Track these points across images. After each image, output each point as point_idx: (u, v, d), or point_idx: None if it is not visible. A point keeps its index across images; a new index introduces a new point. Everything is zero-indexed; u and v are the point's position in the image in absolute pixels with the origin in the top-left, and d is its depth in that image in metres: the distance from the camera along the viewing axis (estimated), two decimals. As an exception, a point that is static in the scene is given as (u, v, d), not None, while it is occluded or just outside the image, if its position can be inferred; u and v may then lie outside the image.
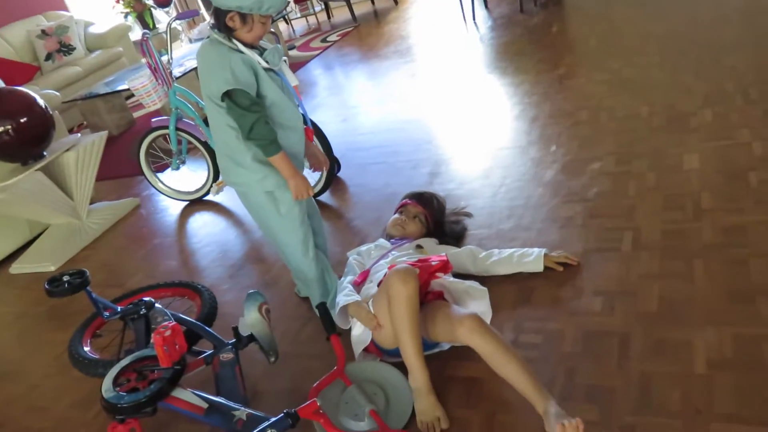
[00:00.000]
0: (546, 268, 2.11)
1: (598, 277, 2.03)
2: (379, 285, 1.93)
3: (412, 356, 1.73)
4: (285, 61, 2.99)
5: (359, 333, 1.96)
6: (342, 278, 2.15)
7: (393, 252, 2.16)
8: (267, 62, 1.91)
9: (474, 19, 5.64)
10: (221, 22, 1.86)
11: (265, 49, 1.97)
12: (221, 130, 1.96)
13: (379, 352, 1.95)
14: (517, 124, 3.33)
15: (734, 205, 2.15)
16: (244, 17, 1.83)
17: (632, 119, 2.98)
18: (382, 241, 2.29)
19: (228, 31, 1.88)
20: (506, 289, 2.11)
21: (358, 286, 2.08)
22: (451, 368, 1.86)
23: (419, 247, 2.20)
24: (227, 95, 1.86)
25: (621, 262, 2.06)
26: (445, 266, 1.89)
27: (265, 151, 1.92)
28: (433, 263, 1.88)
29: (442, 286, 1.95)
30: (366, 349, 1.97)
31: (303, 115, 2.11)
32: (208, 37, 1.94)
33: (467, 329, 1.67)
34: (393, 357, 1.92)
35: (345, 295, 1.97)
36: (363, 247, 2.28)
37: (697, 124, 2.73)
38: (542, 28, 4.82)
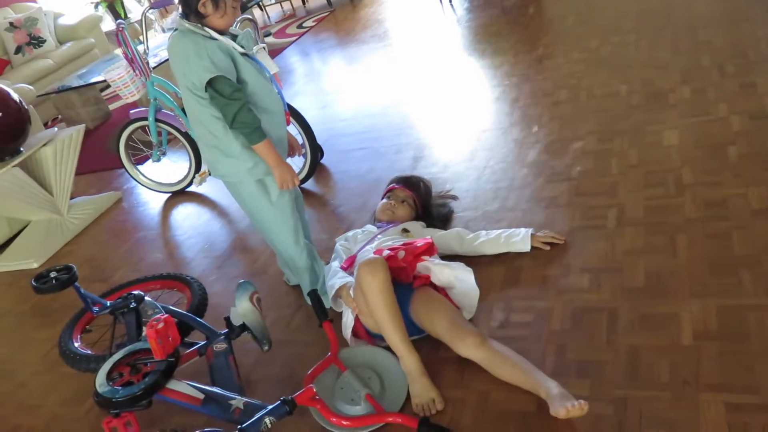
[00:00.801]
0: (533, 248, 2.14)
1: (584, 254, 2.06)
2: None
3: (398, 343, 1.75)
4: (264, 48, 2.97)
5: (346, 318, 1.98)
6: (329, 264, 2.16)
7: (379, 236, 2.17)
8: (242, 47, 1.90)
9: (450, 1, 5.62)
10: (192, 8, 1.84)
11: (236, 35, 1.95)
12: (206, 121, 1.94)
13: (369, 337, 1.97)
14: (499, 106, 3.34)
15: (714, 179, 2.19)
16: (216, 3, 1.82)
17: (612, 97, 3.01)
18: (368, 226, 2.30)
19: (199, 19, 1.85)
20: (495, 269, 2.13)
21: (345, 271, 2.09)
22: (444, 350, 1.87)
23: (405, 230, 2.21)
24: (209, 84, 1.84)
25: (606, 239, 2.09)
26: (430, 248, 1.91)
27: (249, 139, 1.91)
28: (418, 245, 1.90)
29: (428, 269, 1.97)
30: (356, 335, 1.98)
31: (281, 99, 2.10)
32: (177, 28, 1.90)
33: (468, 346, 1.69)
34: (383, 341, 1.94)
35: (338, 279, 1.98)
36: (350, 233, 2.29)
37: (675, 101, 2.77)
38: (519, 9, 4.82)
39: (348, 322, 1.97)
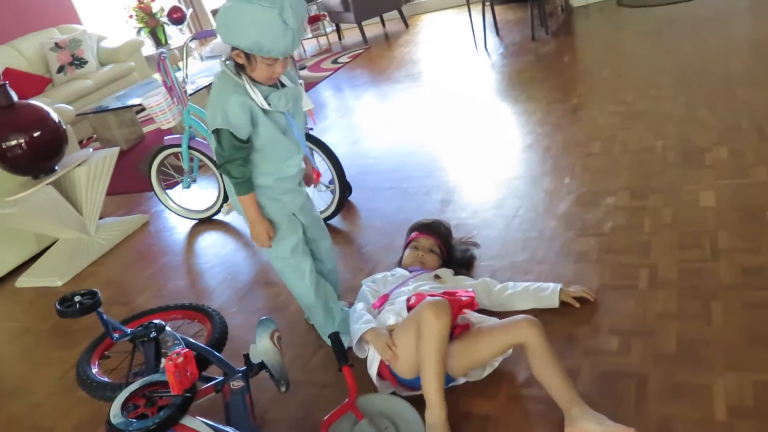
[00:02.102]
0: (562, 303, 2.09)
1: (614, 314, 2.01)
2: (406, 310, 1.90)
3: (433, 392, 1.71)
4: (301, 83, 3.00)
5: (372, 356, 1.93)
6: (353, 305, 2.12)
7: (411, 280, 2.14)
8: (269, 105, 1.86)
9: (485, 45, 5.67)
10: (231, 56, 1.85)
11: (283, 85, 1.94)
12: None
13: (394, 379, 1.92)
14: (530, 154, 3.33)
15: (752, 245, 2.13)
16: (247, 56, 1.80)
17: (646, 153, 2.97)
18: (398, 269, 2.27)
19: (239, 66, 1.86)
20: (520, 323, 2.08)
21: (375, 309, 2.06)
22: (466, 404, 1.83)
23: (437, 277, 2.18)
24: (214, 131, 1.86)
25: (638, 300, 2.04)
26: (472, 303, 1.90)
27: (235, 188, 1.94)
28: (463, 298, 1.88)
29: (466, 320, 1.93)
30: (380, 375, 1.94)
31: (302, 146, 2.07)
32: (225, 61, 1.90)
33: (527, 323, 1.74)
34: (407, 386, 1.90)
35: (363, 323, 1.94)
36: (378, 275, 2.26)
37: (712, 161, 2.73)
38: (554, 56, 4.84)
39: (374, 360, 1.91)
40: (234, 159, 1.86)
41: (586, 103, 3.78)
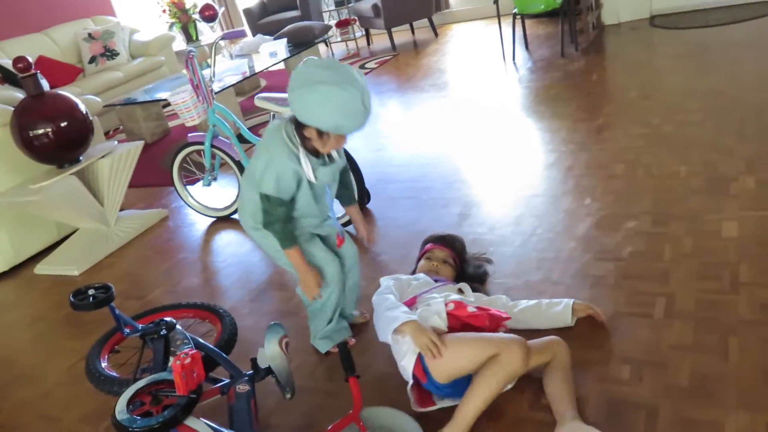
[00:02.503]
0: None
1: (627, 342, 1.98)
2: (445, 314, 1.91)
3: (472, 416, 1.74)
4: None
5: (408, 348, 1.86)
6: (381, 294, 2.05)
7: (438, 289, 2.13)
8: (315, 178, 1.94)
9: (513, 59, 5.64)
10: (299, 130, 1.89)
11: (330, 158, 2.00)
12: (254, 199, 2.02)
13: (424, 375, 1.86)
14: (552, 172, 3.29)
15: (774, 281, 2.09)
16: (320, 133, 1.85)
17: (670, 178, 2.93)
18: (422, 275, 2.24)
19: (300, 135, 1.90)
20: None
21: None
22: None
23: (460, 290, 2.17)
24: (264, 195, 1.93)
25: (652, 330, 2.00)
26: (504, 322, 1.98)
27: (280, 243, 2.00)
28: (502, 316, 1.97)
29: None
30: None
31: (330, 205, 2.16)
32: (283, 120, 1.94)
33: (557, 342, 1.89)
34: (438, 389, 1.88)
35: (403, 312, 1.90)
36: (402, 276, 2.20)
37: (738, 190, 2.68)
38: (582, 74, 4.80)
39: (409, 352, 1.86)
40: (279, 219, 1.95)
41: (612, 123, 3.73)
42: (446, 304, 1.93)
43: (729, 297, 2.06)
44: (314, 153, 1.94)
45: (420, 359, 1.84)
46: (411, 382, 1.89)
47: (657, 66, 4.64)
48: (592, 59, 5.13)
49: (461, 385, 1.82)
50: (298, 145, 1.89)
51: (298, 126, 1.88)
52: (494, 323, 1.93)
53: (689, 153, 3.12)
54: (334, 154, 2.02)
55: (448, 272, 2.31)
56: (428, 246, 2.42)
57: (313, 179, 1.92)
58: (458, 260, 2.38)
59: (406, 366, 1.88)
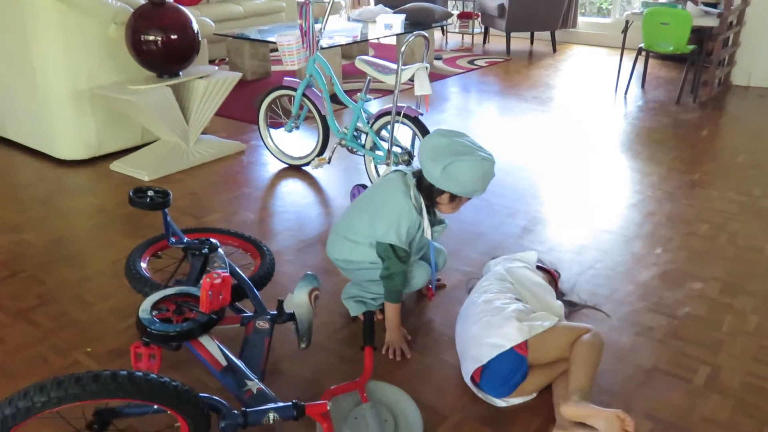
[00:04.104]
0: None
1: (657, 400, 1.87)
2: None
3: (591, 383, 1.76)
4: (427, 68, 2.97)
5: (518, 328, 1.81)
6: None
7: None
8: (431, 236, 2.13)
9: (626, 93, 5.43)
10: (430, 196, 2.05)
11: (442, 222, 2.25)
12: (362, 249, 2.16)
13: (526, 349, 1.80)
14: (631, 213, 3.15)
15: (834, 386, 1.92)
16: (453, 197, 2.04)
17: (754, 252, 2.74)
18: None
19: (428, 199, 2.07)
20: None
21: None
22: (470, 429, 1.76)
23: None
24: (390, 245, 2.04)
25: (687, 396, 1.88)
26: None
27: (387, 296, 2.09)
28: None
29: None
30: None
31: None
32: (405, 174, 2.13)
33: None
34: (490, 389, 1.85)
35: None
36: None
37: (823, 285, 2.48)
38: (693, 126, 4.56)
39: (507, 340, 1.80)
40: (401, 272, 2.06)
41: (708, 181, 3.53)
42: None
43: (780, 388, 1.92)
44: (428, 212, 2.11)
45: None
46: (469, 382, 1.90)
47: (775, 138, 4.35)
48: (707, 114, 4.87)
49: (503, 389, 1.83)
50: (422, 205, 2.07)
51: (427, 189, 2.05)
52: None
53: (782, 233, 2.91)
54: (440, 216, 2.23)
55: None
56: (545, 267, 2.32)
57: (428, 235, 2.11)
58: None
59: (508, 337, 1.79)
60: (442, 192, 2.03)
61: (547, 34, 7.28)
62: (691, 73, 5.26)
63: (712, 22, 4.99)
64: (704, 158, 3.92)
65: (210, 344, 1.76)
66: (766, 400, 1.87)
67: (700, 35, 5.14)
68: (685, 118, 4.77)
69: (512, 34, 7.14)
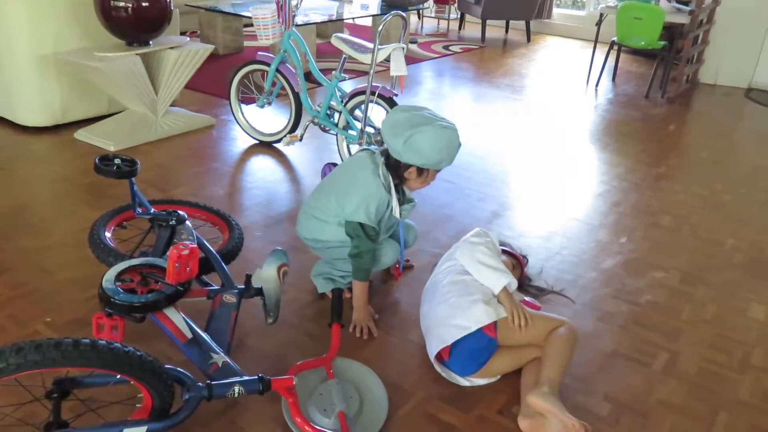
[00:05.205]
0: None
1: (616, 383, 1.91)
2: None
3: (562, 377, 1.76)
4: (403, 48, 2.96)
5: (491, 312, 1.81)
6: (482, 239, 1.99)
7: None
8: (400, 215, 2.12)
9: (597, 85, 5.49)
10: (399, 173, 2.05)
11: (411, 200, 2.21)
12: (331, 228, 2.13)
13: (494, 331, 1.81)
14: (597, 202, 3.20)
15: (784, 375, 1.99)
16: (421, 171, 2.04)
17: (714, 245, 2.82)
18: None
19: (396, 176, 2.06)
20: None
21: None
22: (436, 407, 1.78)
23: None
24: (358, 223, 2.03)
25: (646, 380, 1.93)
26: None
27: (355, 274, 2.07)
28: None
29: None
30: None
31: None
32: (373, 153, 2.12)
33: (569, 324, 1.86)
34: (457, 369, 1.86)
35: (505, 273, 1.89)
36: (496, 243, 2.05)
37: (778, 278, 2.57)
38: (660, 121, 4.64)
39: (475, 321, 1.79)
40: (370, 250, 2.05)
41: (672, 175, 3.61)
42: None
43: (733, 375, 1.98)
44: (397, 191, 2.10)
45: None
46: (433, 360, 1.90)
47: (738, 137, 4.46)
48: (675, 110, 4.96)
49: (470, 366, 1.84)
50: (390, 183, 2.06)
51: (394, 166, 2.05)
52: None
53: (741, 228, 3.00)
54: (409, 194, 2.21)
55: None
56: (509, 250, 2.27)
57: (397, 214, 2.11)
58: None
59: (475, 319, 1.79)
60: (409, 166, 2.02)
61: (522, 23, 7.31)
62: (661, 69, 5.35)
63: (683, 19, 5.08)
64: (670, 152, 4.00)
65: (175, 316, 1.74)
66: (719, 385, 1.93)
67: (671, 32, 5.23)
68: (654, 112, 4.85)
69: (488, 22, 7.15)
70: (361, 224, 2.04)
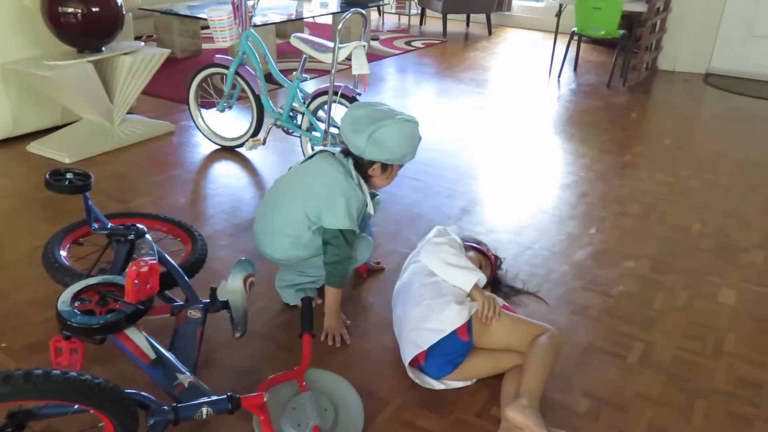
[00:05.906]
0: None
1: (593, 378, 1.90)
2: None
3: (542, 387, 1.69)
4: (364, 47, 2.91)
5: (462, 311, 1.76)
6: (449, 237, 1.95)
7: None
8: (372, 212, 2.12)
9: (559, 76, 5.51)
10: (363, 170, 2.02)
11: (376, 194, 2.20)
12: (300, 242, 2.04)
13: (467, 335, 1.77)
14: (565, 194, 3.20)
15: (758, 359, 2.00)
16: (385, 167, 2.02)
17: (681, 231, 2.83)
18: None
19: (363, 175, 2.03)
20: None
21: None
22: (412, 413, 1.74)
23: None
24: (341, 231, 1.97)
25: (622, 372, 1.92)
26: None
27: (330, 279, 2.00)
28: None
29: None
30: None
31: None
32: (333, 154, 2.06)
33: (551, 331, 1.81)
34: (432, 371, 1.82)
35: (473, 270, 1.84)
36: (458, 240, 2.00)
37: (745, 262, 2.58)
38: (623, 109, 4.68)
39: (451, 323, 1.75)
40: (347, 256, 2.00)
41: (638, 163, 3.63)
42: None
43: (708, 362, 1.98)
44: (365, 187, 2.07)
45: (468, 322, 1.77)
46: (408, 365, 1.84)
47: (699, 122, 4.52)
48: (636, 98, 5.00)
49: (445, 367, 1.79)
50: (362, 182, 2.03)
51: (359, 165, 2.02)
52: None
53: (707, 213, 3.02)
54: (375, 192, 2.19)
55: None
56: (478, 247, 2.19)
57: (371, 210, 2.09)
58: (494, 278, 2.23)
59: (449, 321, 1.74)
60: (373, 163, 2.00)
61: (482, 16, 7.31)
62: (621, 58, 5.39)
63: (641, 7, 5.12)
64: (634, 140, 4.03)
65: (137, 336, 1.66)
66: (695, 373, 1.93)
67: (629, 21, 5.26)
68: (616, 101, 4.88)
69: (449, 16, 7.13)
70: (341, 230, 1.97)
